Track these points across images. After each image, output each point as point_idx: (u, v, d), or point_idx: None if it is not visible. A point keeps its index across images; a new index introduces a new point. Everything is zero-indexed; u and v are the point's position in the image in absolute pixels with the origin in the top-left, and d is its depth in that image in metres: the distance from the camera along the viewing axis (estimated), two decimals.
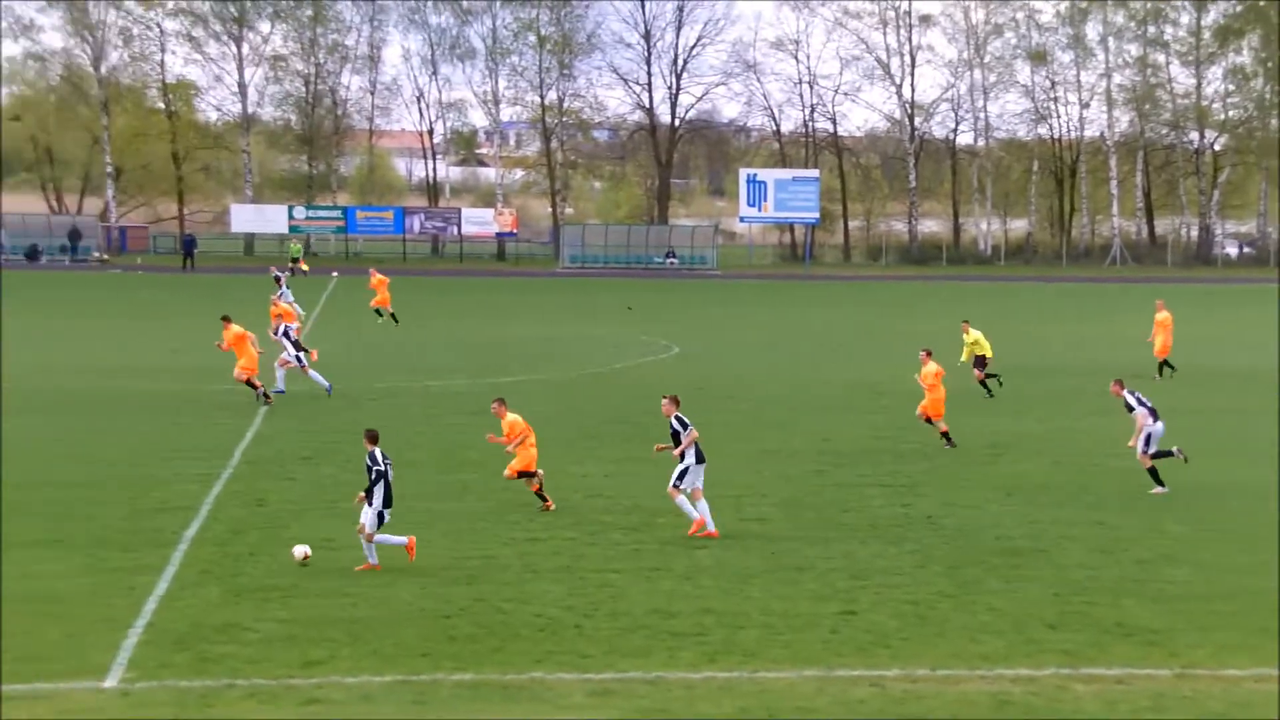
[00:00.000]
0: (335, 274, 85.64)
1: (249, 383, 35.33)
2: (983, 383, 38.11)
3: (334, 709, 14.91)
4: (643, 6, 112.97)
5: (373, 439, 20.61)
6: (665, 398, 23.42)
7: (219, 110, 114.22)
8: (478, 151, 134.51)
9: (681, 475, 22.58)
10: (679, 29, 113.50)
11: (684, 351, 48.87)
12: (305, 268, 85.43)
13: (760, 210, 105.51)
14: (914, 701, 15.41)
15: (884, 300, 76.13)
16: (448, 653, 16.65)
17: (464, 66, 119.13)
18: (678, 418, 22.82)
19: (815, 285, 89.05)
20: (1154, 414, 26.09)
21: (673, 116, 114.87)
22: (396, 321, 55.75)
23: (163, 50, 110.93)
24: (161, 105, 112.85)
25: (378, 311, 56.15)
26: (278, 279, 53.18)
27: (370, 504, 20.11)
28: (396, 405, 35.67)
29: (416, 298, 71.16)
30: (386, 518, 20.27)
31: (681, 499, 22.62)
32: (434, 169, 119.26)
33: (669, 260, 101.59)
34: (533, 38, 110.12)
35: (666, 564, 20.71)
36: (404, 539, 20.43)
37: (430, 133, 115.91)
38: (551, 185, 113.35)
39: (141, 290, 74.89)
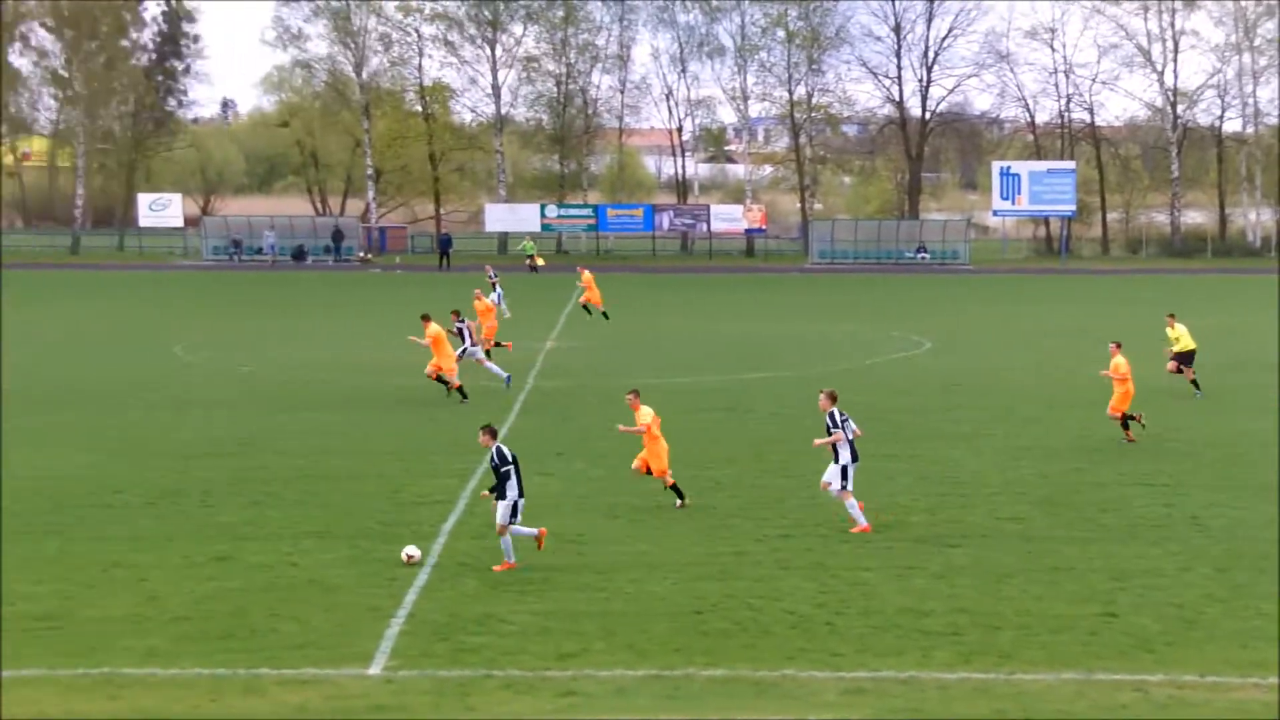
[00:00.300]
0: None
1: (439, 379, 36.08)
2: (1181, 374, 36.45)
3: (589, 702, 15.07)
4: (893, 0, 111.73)
5: (492, 434, 20.85)
6: (823, 392, 23.11)
7: (473, 112, 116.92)
8: (726, 148, 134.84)
9: (844, 475, 22.37)
10: (930, 21, 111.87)
11: (936, 347, 48.13)
12: (541, 262, 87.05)
13: (1014, 203, 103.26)
14: (1180, 708, 14.87)
15: (1144, 295, 73.72)
16: (700, 648, 16.69)
17: (713, 64, 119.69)
18: (831, 414, 22.47)
19: (1072, 279, 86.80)
20: None
21: (923, 110, 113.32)
22: (607, 317, 55.47)
23: (420, 54, 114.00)
24: (419, 108, 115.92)
25: (586, 308, 56.29)
26: (494, 281, 54.81)
27: (503, 499, 20.13)
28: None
29: (666, 295, 71.73)
30: (521, 507, 20.30)
31: (850, 500, 22.42)
32: (683, 166, 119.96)
33: (920, 255, 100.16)
34: (781, 33, 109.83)
35: (920, 562, 20.41)
36: (534, 530, 20.48)
37: (679, 130, 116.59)
38: (800, 181, 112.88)
39: (400, 289, 77.00)
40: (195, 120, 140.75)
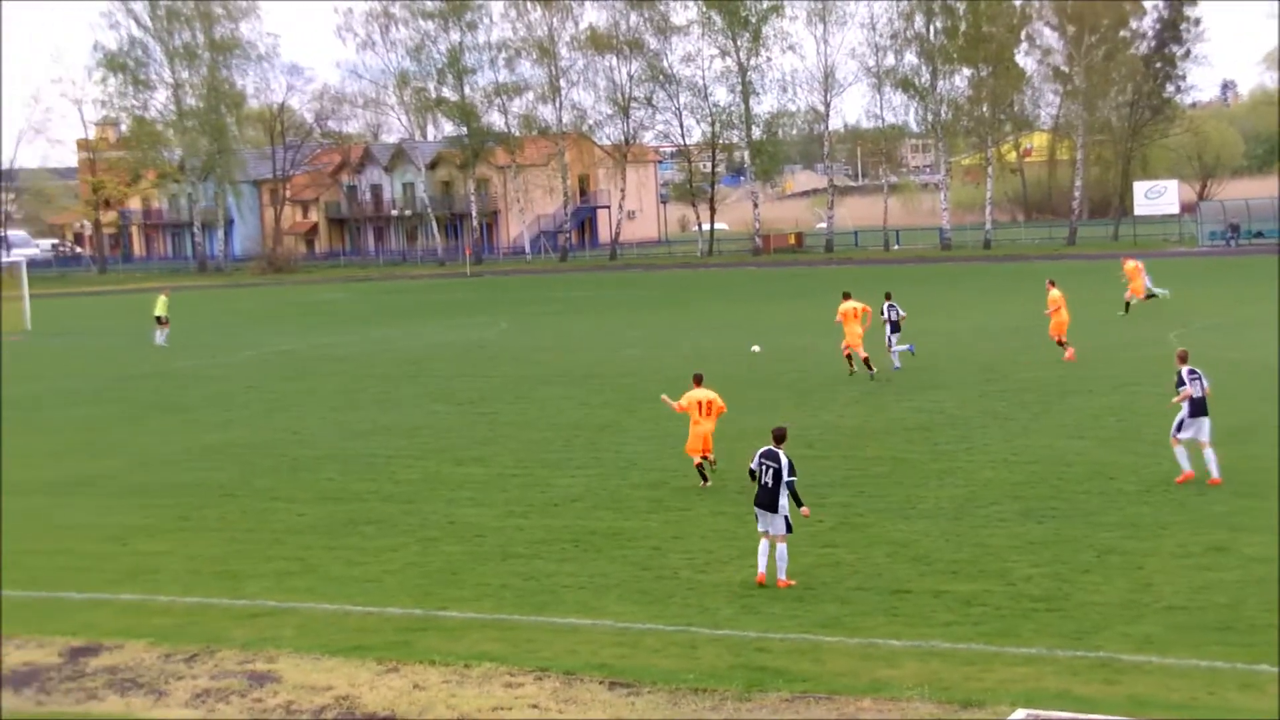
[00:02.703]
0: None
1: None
2: None
3: None
4: None
5: (776, 438, 19.43)
6: (1178, 350, 25.57)
7: None
8: None
9: (1178, 426, 24.40)
10: None
11: None
12: None
13: None
14: None
15: None
16: None
17: None
18: (1179, 372, 24.50)
19: None
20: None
21: None
22: (1127, 309, 52.62)
23: None
24: None
25: (1127, 305, 52.48)
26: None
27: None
28: None
29: None
30: (758, 518, 19.60)
31: (1178, 449, 24.40)
32: None
33: None
34: None
35: None
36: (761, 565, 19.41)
37: None
38: None
39: None
40: (1193, 104, 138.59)
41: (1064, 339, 41.83)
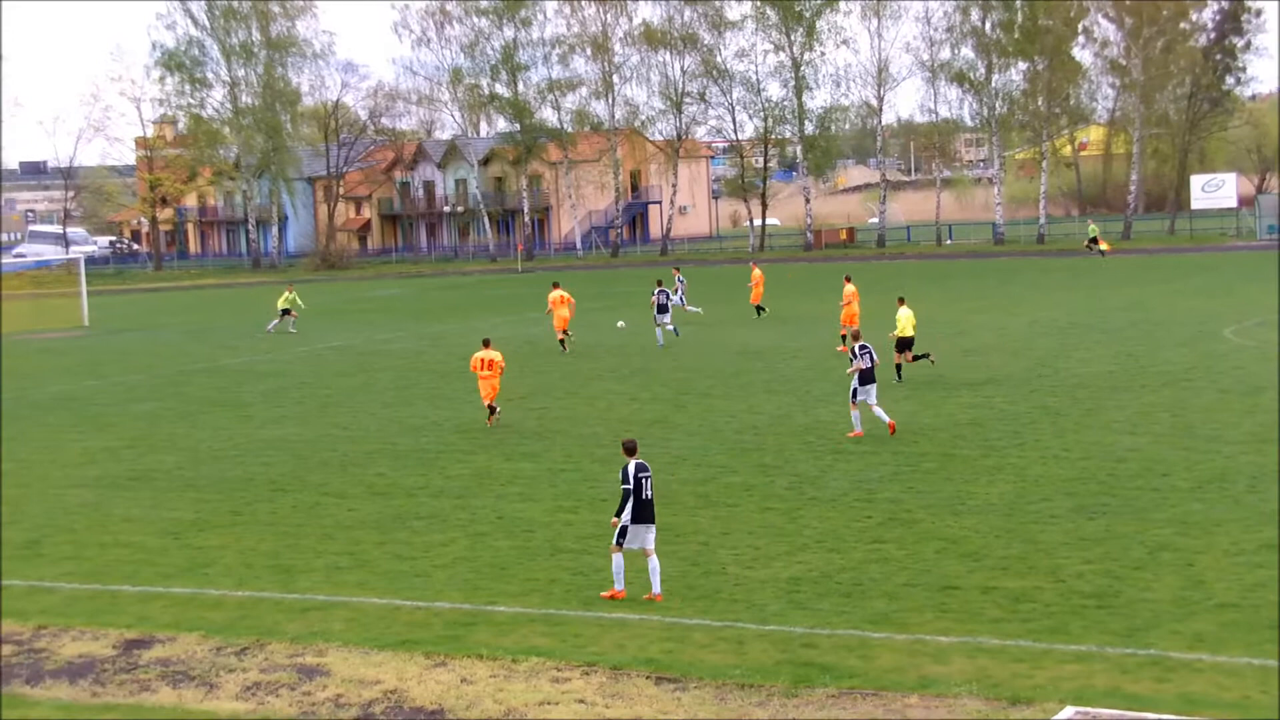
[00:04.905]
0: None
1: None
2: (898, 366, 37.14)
3: None
4: None
5: (629, 450, 18.83)
6: (853, 329, 32.54)
7: None
8: None
9: (853, 394, 29.62)
10: None
11: None
12: (1105, 247, 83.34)
13: None
14: None
15: None
16: None
17: None
18: (852, 349, 29.79)
19: None
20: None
21: None
22: (760, 312, 57.16)
23: None
24: None
25: (757, 308, 57.11)
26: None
27: (621, 519, 18.62)
28: None
29: None
30: (631, 534, 18.61)
31: (854, 413, 29.74)
32: None
33: None
34: None
35: None
36: (619, 583, 18.78)
37: None
38: None
39: None
40: (1253, 96, 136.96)
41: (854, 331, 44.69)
